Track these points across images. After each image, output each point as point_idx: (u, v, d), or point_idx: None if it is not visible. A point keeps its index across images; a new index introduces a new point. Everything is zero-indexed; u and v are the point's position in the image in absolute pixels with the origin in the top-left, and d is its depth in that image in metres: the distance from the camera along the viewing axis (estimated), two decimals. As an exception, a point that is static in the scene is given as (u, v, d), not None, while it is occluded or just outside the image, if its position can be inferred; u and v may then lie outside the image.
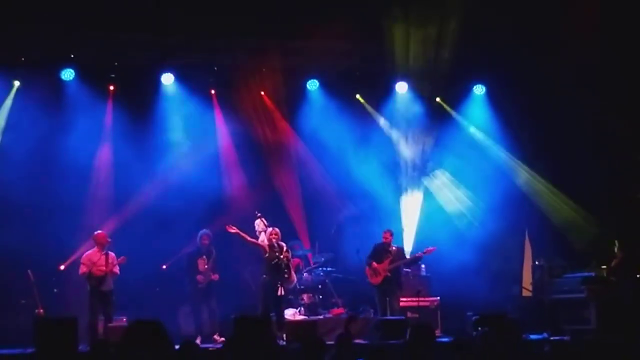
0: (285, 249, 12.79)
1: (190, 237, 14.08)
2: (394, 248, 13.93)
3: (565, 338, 11.42)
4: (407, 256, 14.48)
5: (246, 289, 14.43)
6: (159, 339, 4.01)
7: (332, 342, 8.35)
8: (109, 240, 12.80)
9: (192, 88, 15.45)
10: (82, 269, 12.67)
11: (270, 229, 12.74)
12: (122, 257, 12.74)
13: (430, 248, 13.97)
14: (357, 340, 12.59)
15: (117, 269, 12.72)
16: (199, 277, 13.56)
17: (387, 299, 13.62)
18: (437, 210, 16.07)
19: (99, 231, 13.08)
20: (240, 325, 8.99)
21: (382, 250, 13.83)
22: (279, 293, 12.57)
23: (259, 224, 12.96)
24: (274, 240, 12.67)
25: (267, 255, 12.64)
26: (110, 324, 12.30)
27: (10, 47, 14.23)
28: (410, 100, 16.27)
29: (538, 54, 15.15)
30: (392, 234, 13.95)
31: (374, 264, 13.66)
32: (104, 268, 12.58)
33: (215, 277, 13.65)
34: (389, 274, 13.63)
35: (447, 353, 7.10)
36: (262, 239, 12.81)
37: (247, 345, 6.35)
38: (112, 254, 12.76)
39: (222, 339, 12.84)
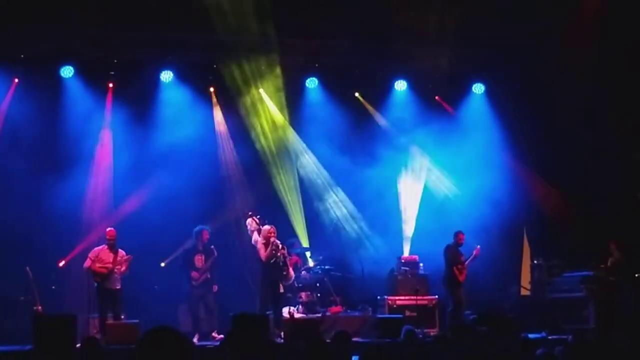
0: (281, 246, 12.77)
1: (188, 235, 14.08)
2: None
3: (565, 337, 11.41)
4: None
5: (245, 287, 14.42)
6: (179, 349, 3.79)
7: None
8: (112, 237, 12.77)
9: (192, 85, 15.44)
10: (86, 263, 12.68)
11: (268, 227, 12.72)
12: (128, 257, 12.74)
13: (477, 249, 14.13)
14: (355, 339, 12.62)
15: (124, 267, 12.68)
16: (194, 274, 13.53)
17: (463, 295, 13.81)
18: (436, 209, 16.05)
19: (109, 228, 13.07)
20: (238, 323, 9.02)
21: (457, 250, 14.00)
22: (277, 291, 12.58)
23: (250, 222, 12.96)
24: (272, 237, 12.65)
25: (266, 253, 12.60)
26: (107, 322, 12.31)
27: (9, 44, 14.21)
28: (409, 98, 16.28)
29: (538, 53, 15.14)
30: None
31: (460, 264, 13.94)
32: (110, 265, 12.58)
33: (214, 288, 13.60)
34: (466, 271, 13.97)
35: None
36: (255, 238, 12.80)
37: (244, 342, 6.34)
38: (121, 252, 12.76)
39: (221, 336, 12.83)
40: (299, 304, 14.12)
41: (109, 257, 12.66)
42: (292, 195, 15.83)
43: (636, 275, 13.44)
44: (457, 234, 14.05)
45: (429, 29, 14.99)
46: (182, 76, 15.35)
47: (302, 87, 16.13)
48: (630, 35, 14.42)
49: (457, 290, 13.83)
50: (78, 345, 11.87)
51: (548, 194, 16.12)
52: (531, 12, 14.40)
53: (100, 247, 12.87)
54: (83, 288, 12.90)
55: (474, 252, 14.05)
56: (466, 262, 13.91)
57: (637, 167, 15.04)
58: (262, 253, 12.60)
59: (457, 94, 16.63)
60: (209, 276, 13.59)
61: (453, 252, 13.97)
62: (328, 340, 8.07)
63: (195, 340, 12.91)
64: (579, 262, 14.54)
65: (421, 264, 15.15)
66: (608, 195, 15.11)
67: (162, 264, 14.52)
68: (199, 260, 13.61)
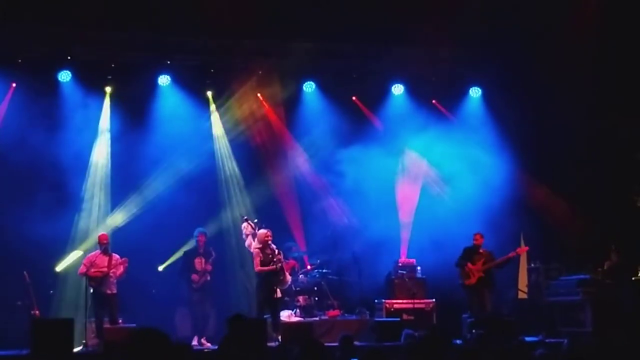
0: (277, 251, 12.77)
1: (185, 238, 14.09)
2: (483, 250, 14.04)
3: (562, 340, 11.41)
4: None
5: (242, 290, 14.43)
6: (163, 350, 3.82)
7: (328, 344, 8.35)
8: (105, 241, 12.77)
9: (189, 89, 15.45)
10: (81, 269, 12.68)
11: (264, 231, 12.72)
12: (123, 259, 12.73)
13: (522, 248, 14.07)
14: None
15: (119, 271, 12.66)
16: (194, 277, 13.57)
17: (479, 299, 13.75)
18: (433, 212, 16.04)
19: (101, 232, 13.07)
20: (234, 325, 9.01)
21: (473, 252, 14.00)
22: (274, 295, 12.57)
23: (245, 227, 13.01)
24: (269, 241, 12.65)
25: (261, 257, 12.59)
26: (105, 326, 12.30)
27: (7, 49, 14.22)
28: (406, 102, 16.30)
29: (535, 56, 15.16)
30: (482, 237, 14.08)
31: (469, 265, 13.82)
32: (105, 269, 12.56)
33: (208, 267, 13.61)
34: (482, 275, 13.80)
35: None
36: (249, 242, 12.82)
37: (240, 345, 6.35)
38: (115, 256, 12.75)
39: (208, 344, 12.90)
40: (296, 308, 14.13)
41: (104, 261, 12.65)
42: (289, 199, 15.83)
43: (633, 278, 13.43)
44: (474, 236, 14.08)
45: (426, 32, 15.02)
46: (179, 80, 15.36)
47: (300, 91, 16.14)
48: (629, 38, 14.44)
49: (464, 291, 13.88)
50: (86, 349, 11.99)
51: (546, 197, 16.11)
52: (529, 15, 14.43)
53: (93, 253, 12.86)
54: (80, 292, 12.88)
55: (517, 251, 14.06)
56: (487, 265, 13.82)
57: (637, 167, 15.02)
58: (256, 263, 12.62)
59: (455, 98, 16.66)
60: (208, 278, 13.61)
61: (464, 253, 13.99)
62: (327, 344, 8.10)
63: (194, 343, 12.94)
64: (576, 266, 14.54)
65: (418, 268, 15.17)
66: (607, 198, 15.11)
67: (160, 268, 14.52)
68: (198, 263, 13.68)
